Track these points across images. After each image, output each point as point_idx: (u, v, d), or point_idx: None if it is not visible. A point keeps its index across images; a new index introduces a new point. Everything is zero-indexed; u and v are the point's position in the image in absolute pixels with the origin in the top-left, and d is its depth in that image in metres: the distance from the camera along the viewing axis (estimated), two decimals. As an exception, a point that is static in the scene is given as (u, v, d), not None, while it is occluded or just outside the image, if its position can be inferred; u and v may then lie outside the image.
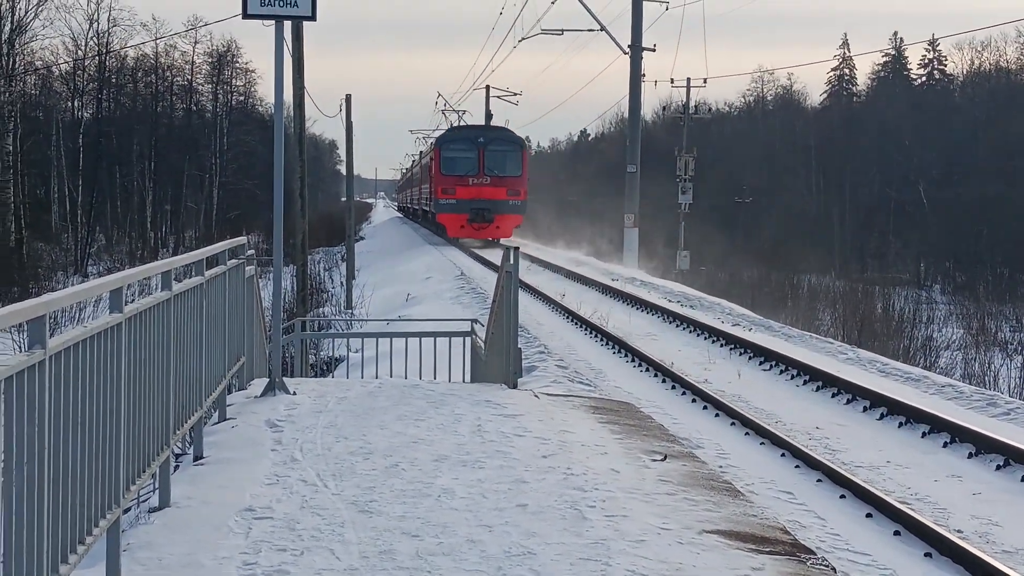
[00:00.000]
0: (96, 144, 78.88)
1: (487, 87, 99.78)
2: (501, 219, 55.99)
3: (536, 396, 12.86)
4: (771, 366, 20.76)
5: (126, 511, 7.13)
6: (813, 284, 64.84)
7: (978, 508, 11.65)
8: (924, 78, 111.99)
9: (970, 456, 13.73)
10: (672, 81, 64.62)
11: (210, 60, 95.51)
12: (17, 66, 68.06)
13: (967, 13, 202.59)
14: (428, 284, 40.75)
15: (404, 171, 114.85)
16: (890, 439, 14.88)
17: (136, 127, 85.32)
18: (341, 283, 51.61)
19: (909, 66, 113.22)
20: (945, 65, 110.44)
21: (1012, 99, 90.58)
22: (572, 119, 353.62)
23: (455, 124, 70.02)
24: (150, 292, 7.93)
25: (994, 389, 30.27)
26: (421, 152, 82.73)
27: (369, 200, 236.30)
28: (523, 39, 60.59)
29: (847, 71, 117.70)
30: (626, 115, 53.18)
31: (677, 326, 27.19)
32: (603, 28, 50.76)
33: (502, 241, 54.67)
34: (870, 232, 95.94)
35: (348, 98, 54.25)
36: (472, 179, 55.68)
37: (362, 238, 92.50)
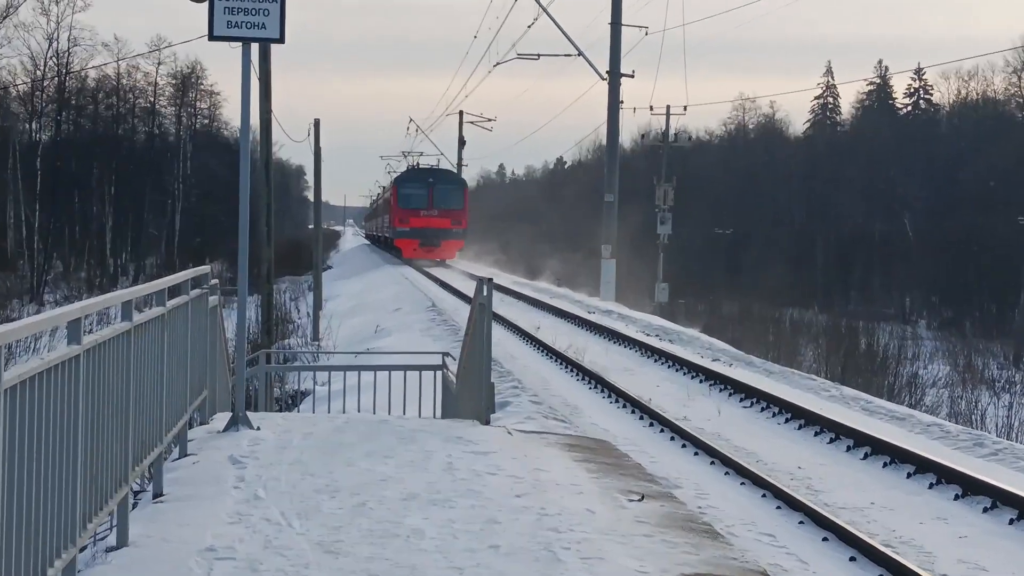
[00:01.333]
0: (54, 168, 78.66)
1: (460, 112, 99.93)
2: (446, 244, 72.32)
3: (509, 433, 12.84)
4: (752, 403, 20.80)
5: (82, 550, 7.08)
6: (795, 318, 65.04)
7: (965, 552, 11.68)
8: (910, 107, 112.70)
9: (956, 498, 13.77)
10: (651, 108, 64.85)
11: (174, 82, 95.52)
12: (-27, 86, 67.95)
13: (954, 42, 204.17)
14: (397, 316, 40.71)
15: (371, 203, 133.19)
16: (874, 480, 14.91)
17: (96, 150, 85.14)
18: (308, 314, 51.53)
19: (894, 95, 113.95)
20: (931, 94, 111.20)
21: (999, 129, 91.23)
22: (548, 146, 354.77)
23: (412, 165, 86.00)
24: (109, 322, 7.90)
25: (981, 428, 30.40)
26: (383, 188, 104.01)
27: (337, 228, 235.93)
28: (498, 64, 60.74)
29: (831, 100, 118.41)
30: (604, 142, 53.40)
31: (655, 361, 27.23)
32: (580, 53, 50.96)
33: (448, 262, 72.24)
34: (854, 265, 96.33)
35: (316, 123, 54.26)
36: (423, 211, 71.51)
37: (330, 267, 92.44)
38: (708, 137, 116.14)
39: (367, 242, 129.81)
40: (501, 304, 39.95)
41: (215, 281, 12.57)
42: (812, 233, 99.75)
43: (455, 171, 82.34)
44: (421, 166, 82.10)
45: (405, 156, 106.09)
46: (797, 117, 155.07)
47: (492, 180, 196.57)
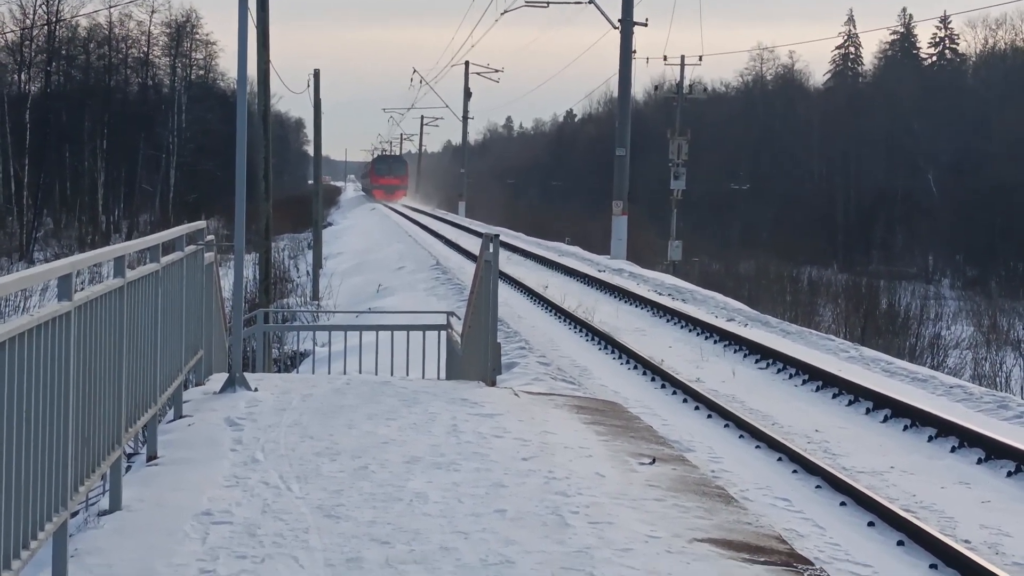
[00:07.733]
0: (44, 120, 78.53)
1: (466, 63, 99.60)
2: (397, 193, 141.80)
3: (516, 395, 12.87)
4: (768, 364, 20.83)
5: (74, 514, 7.12)
6: (814, 277, 64.99)
7: (987, 517, 11.71)
8: (935, 57, 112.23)
9: (979, 462, 13.80)
10: (665, 58, 64.91)
11: (168, 31, 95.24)
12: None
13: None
14: (401, 275, 40.76)
15: (364, 170, 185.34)
16: (894, 443, 14.94)
17: (88, 102, 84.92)
18: (307, 272, 51.57)
19: (919, 44, 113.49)
20: (957, 44, 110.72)
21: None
22: (558, 98, 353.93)
23: (382, 151, 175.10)
24: (101, 279, 7.92)
25: (1006, 390, 30.40)
26: (368, 161, 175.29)
27: (338, 184, 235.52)
28: (505, 12, 60.69)
29: (852, 49, 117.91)
30: (615, 94, 53.24)
31: (668, 321, 27.25)
32: (591, 0, 50.76)
33: (400, 202, 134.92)
34: (875, 222, 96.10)
35: (316, 73, 54.19)
36: (385, 177, 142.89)
37: (330, 224, 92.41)
38: (724, 89, 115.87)
39: (364, 194, 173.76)
40: (508, 262, 39.97)
41: (211, 237, 12.59)
42: (832, 189, 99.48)
43: (402, 156, 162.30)
44: (385, 153, 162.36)
45: (380, 144, 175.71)
46: (817, 68, 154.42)
47: (499, 133, 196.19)
